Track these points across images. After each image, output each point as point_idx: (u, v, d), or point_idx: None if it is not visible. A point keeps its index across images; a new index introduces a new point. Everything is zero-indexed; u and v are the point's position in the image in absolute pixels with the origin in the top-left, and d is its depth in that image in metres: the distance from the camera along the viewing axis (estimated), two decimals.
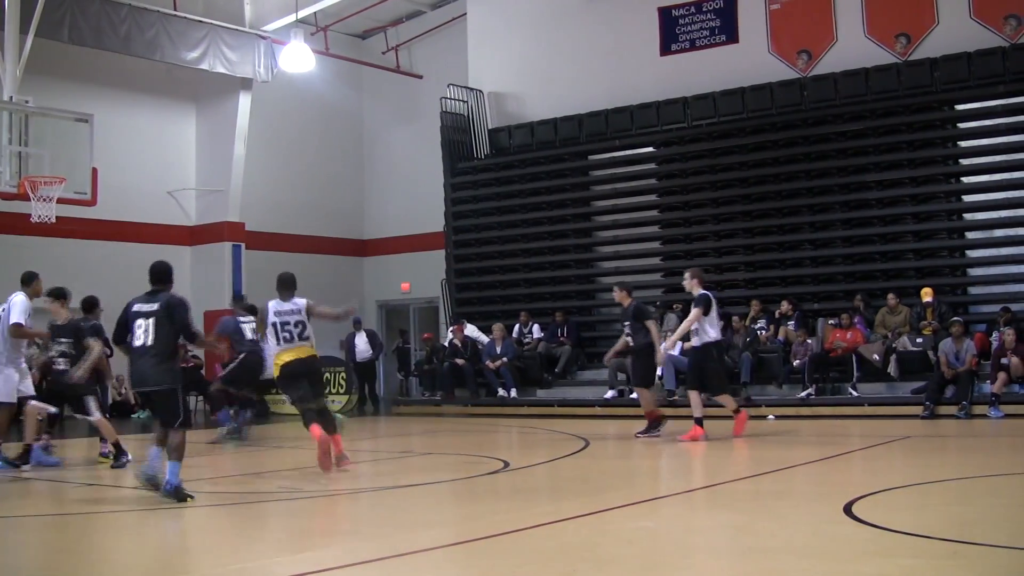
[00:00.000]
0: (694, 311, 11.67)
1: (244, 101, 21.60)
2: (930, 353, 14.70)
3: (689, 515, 7.20)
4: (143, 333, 7.76)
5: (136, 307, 7.90)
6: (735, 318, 16.72)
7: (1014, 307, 14.93)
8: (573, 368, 18.36)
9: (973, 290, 16.63)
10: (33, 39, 16.67)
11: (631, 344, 12.34)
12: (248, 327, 12.80)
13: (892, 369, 14.99)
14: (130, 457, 10.43)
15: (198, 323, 12.15)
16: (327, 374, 17.92)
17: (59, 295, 10.51)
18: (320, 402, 9.70)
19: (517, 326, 19.28)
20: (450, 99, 21.27)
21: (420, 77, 24.45)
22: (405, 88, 24.60)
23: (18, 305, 10.01)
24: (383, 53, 24.64)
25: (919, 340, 15.08)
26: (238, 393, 13.10)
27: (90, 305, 11.13)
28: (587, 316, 19.71)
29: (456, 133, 21.42)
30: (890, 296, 15.69)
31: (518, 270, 20.54)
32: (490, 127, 21.77)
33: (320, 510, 7.96)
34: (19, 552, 6.50)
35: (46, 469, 10.25)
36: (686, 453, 10.98)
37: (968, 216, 16.83)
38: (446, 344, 19.57)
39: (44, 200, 15.64)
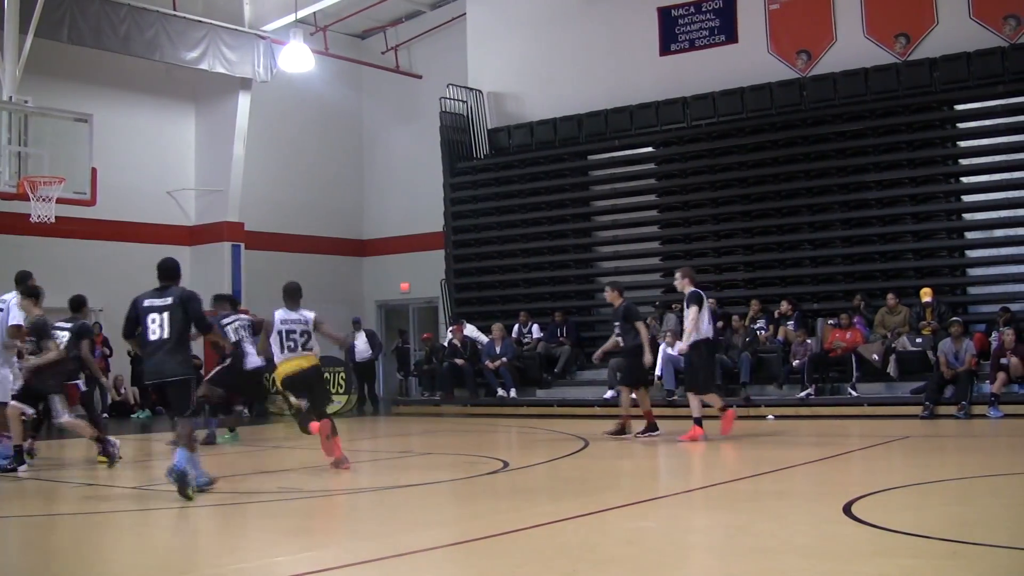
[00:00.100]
0: (692, 308, 11.68)
1: (243, 101, 21.59)
2: (929, 353, 14.70)
3: (688, 515, 7.20)
4: (158, 327, 7.96)
5: (147, 302, 8.06)
6: (735, 318, 16.74)
7: (1013, 307, 14.94)
8: (572, 368, 18.37)
9: (972, 290, 16.63)
10: (32, 39, 16.68)
11: (621, 345, 12.36)
12: (231, 328, 12.72)
13: (891, 369, 15.00)
14: (115, 441, 10.36)
15: None
16: (326, 374, 17.90)
17: (30, 293, 10.28)
18: (321, 412, 9.79)
19: (516, 326, 19.29)
20: (449, 99, 21.28)
21: (419, 77, 24.46)
22: (404, 88, 24.60)
23: (17, 307, 9.99)
24: (382, 53, 24.64)
25: (918, 340, 15.08)
26: (217, 397, 12.90)
27: (78, 304, 11.01)
28: (586, 316, 19.71)
29: (455, 133, 21.43)
30: (889, 296, 15.70)
31: (517, 270, 20.55)
32: (489, 127, 21.77)
33: (320, 510, 7.96)
34: (19, 552, 6.50)
35: (45, 469, 10.23)
36: (685, 453, 10.99)
37: (967, 216, 16.83)
38: (445, 344, 19.58)
39: (43, 200, 15.65)
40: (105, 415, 19.17)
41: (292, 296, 9.76)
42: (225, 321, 12.80)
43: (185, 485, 7.63)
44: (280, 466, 10.84)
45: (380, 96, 25.41)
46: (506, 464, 9.95)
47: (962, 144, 16.96)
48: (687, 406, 12.28)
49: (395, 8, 24.05)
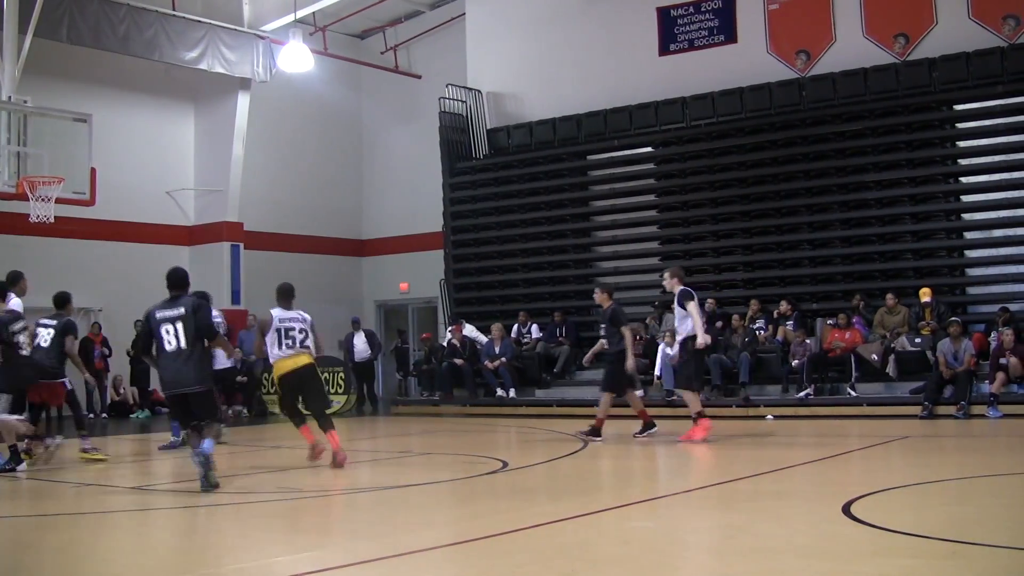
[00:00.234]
0: (692, 305, 11.63)
1: (243, 101, 21.59)
2: (929, 353, 14.70)
3: (688, 515, 7.20)
4: (173, 338, 8.19)
5: (160, 314, 8.28)
6: (734, 318, 16.74)
7: (1012, 307, 14.94)
8: (572, 368, 18.34)
9: (972, 290, 16.63)
10: (32, 39, 16.69)
11: (606, 347, 12.32)
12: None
13: (891, 369, 15.00)
14: (21, 467, 10.01)
15: None
16: (325, 374, 17.90)
17: None
18: (318, 412, 9.90)
19: (516, 326, 19.29)
20: (449, 99, 21.27)
21: (419, 77, 24.46)
22: (404, 88, 24.60)
23: (16, 308, 9.99)
24: (382, 53, 24.64)
25: (918, 340, 15.08)
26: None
27: (62, 301, 10.93)
28: (586, 316, 19.66)
29: (455, 133, 21.42)
30: (889, 296, 15.70)
31: (517, 270, 20.55)
32: (489, 127, 21.77)
33: (319, 510, 7.96)
34: (19, 553, 6.49)
35: (44, 470, 10.23)
36: (685, 453, 10.99)
37: (967, 216, 16.83)
38: (444, 344, 19.57)
39: (43, 200, 15.65)
40: (104, 415, 19.28)
41: (286, 296, 10.04)
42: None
43: (209, 468, 7.88)
44: (279, 465, 10.83)
45: (379, 96, 25.41)
46: (505, 464, 9.95)
47: (961, 144, 16.96)
48: (685, 406, 12.28)
49: (394, 8, 24.05)
